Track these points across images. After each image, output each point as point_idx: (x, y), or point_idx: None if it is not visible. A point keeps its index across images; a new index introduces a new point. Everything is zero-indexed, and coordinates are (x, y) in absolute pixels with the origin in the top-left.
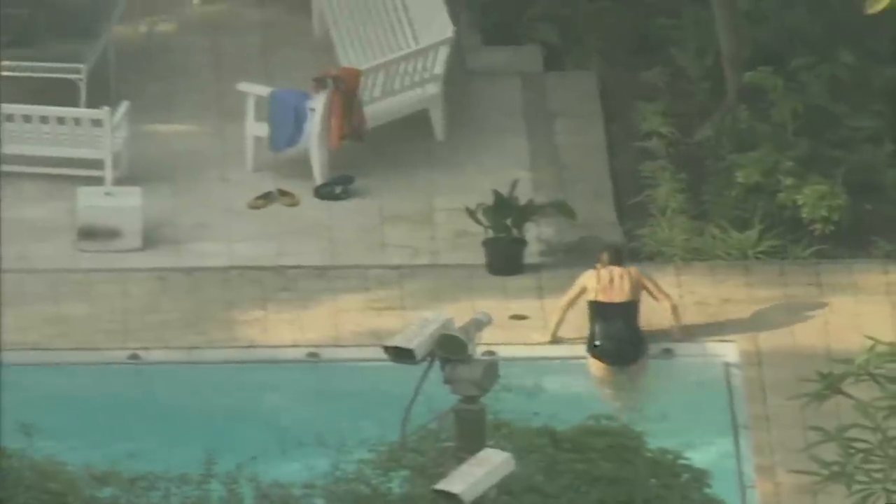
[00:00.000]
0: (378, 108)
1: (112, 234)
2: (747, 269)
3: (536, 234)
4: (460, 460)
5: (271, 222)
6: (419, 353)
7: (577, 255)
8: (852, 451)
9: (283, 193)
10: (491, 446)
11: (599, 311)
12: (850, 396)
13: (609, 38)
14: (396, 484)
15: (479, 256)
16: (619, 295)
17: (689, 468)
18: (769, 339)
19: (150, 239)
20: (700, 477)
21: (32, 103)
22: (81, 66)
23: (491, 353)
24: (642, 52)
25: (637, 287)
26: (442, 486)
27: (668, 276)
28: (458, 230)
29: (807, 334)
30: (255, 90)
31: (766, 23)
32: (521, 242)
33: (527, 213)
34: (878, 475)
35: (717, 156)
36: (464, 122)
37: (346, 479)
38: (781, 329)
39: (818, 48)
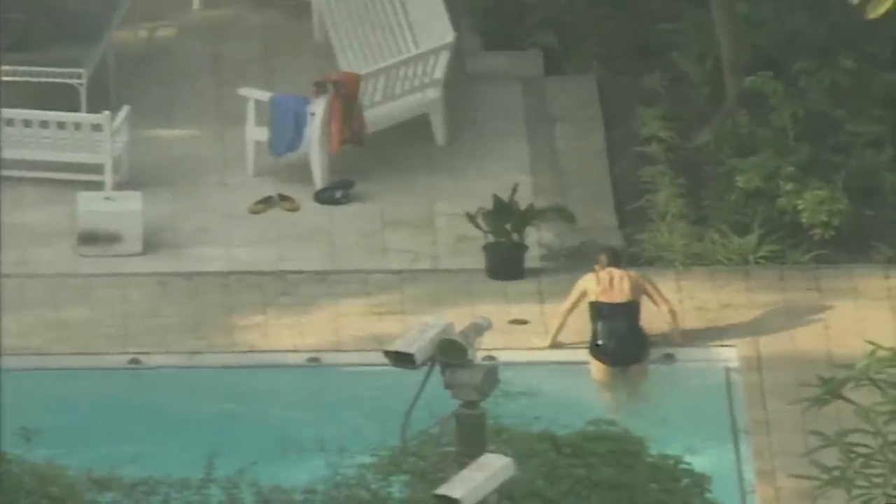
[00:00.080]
0: (378, 112)
1: (112, 238)
2: (747, 274)
3: (537, 238)
4: (461, 465)
5: (272, 227)
6: (419, 358)
7: (578, 259)
8: (853, 455)
9: (283, 198)
10: (491, 451)
11: (601, 310)
12: (850, 401)
13: (609, 43)
14: (397, 489)
15: (479, 261)
16: (619, 295)
17: (689, 473)
18: (769, 344)
19: (151, 243)
20: (700, 482)
21: (33, 108)
22: (82, 70)
23: (491, 357)
24: (642, 56)
25: (637, 288)
26: (442, 490)
27: (668, 281)
28: (459, 235)
29: (807, 339)
30: (256, 95)
31: (766, 27)
32: (522, 247)
33: (527, 217)
34: (879, 480)
35: (717, 161)
36: (464, 127)
37: (347, 484)
38: (782, 334)
39: (818, 53)
